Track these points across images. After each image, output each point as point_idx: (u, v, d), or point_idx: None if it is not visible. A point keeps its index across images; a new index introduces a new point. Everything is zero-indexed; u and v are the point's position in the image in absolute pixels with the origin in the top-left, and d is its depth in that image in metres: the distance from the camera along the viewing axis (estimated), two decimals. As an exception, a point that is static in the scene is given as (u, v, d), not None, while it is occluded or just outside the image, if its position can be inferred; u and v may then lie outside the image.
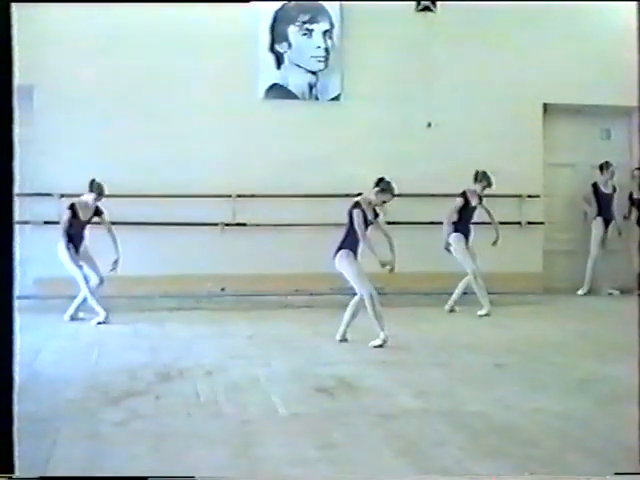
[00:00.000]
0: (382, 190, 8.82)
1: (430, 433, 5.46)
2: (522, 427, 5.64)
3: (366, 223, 8.74)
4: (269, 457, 4.95)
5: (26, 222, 11.21)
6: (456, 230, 11.16)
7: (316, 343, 8.89)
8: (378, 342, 8.57)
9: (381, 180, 8.86)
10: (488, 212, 11.32)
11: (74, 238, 10.30)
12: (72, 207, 10.26)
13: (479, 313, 10.92)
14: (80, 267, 10.24)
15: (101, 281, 10.31)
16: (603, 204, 13.25)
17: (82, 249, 10.38)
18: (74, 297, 10.42)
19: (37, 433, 5.19)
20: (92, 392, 6.58)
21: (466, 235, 11.19)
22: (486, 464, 4.79)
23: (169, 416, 5.91)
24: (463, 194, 11.16)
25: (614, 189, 13.29)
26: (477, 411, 6.03)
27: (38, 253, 11.30)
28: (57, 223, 10.81)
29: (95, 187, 10.24)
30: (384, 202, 8.91)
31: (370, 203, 8.83)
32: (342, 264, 8.72)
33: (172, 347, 8.67)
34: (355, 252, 8.75)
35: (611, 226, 13.22)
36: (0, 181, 3.08)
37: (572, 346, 8.88)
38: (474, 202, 11.17)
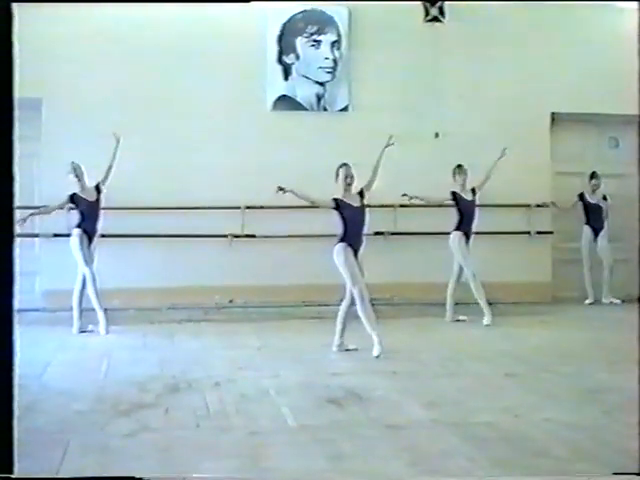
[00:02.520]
0: (338, 169, 9.05)
1: (439, 444, 5.46)
2: (531, 437, 5.63)
3: (353, 209, 8.90)
4: (278, 469, 4.95)
5: (35, 235, 11.26)
6: (457, 228, 11.14)
7: (325, 354, 8.88)
8: (378, 351, 8.57)
9: None
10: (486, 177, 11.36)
11: (88, 224, 10.20)
12: (72, 194, 10.22)
13: (484, 322, 10.90)
14: (89, 263, 10.14)
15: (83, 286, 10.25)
16: (590, 213, 13.18)
17: (93, 246, 10.28)
18: (84, 309, 10.39)
19: (47, 445, 5.20)
20: (101, 404, 6.58)
21: (467, 235, 11.14)
22: (495, 474, 4.78)
23: (178, 428, 5.91)
24: (452, 193, 11.18)
25: (604, 198, 13.19)
26: (486, 421, 6.01)
27: (47, 266, 11.36)
28: (67, 236, 10.84)
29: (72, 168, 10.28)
30: (347, 179, 8.95)
31: (345, 192, 8.95)
32: (338, 259, 8.76)
33: (181, 359, 8.66)
34: (352, 245, 8.77)
35: (601, 235, 13.11)
36: (1, 194, 3.10)
37: (581, 355, 8.86)
38: (469, 197, 11.17)
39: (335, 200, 8.88)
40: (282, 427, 5.92)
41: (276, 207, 11.81)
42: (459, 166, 11.27)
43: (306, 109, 12.65)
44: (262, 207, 12.02)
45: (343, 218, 8.87)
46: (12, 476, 3.07)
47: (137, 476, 4.40)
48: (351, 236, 8.82)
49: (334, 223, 10.73)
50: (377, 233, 11.61)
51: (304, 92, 12.66)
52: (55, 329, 10.27)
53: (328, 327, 9.36)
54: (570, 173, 13.48)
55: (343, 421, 6.08)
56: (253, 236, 12.08)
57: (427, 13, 12.93)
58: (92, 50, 11.81)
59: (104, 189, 10.42)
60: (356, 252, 8.81)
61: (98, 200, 10.37)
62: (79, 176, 10.25)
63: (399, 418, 6.15)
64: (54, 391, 7.07)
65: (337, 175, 9.01)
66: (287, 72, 12.61)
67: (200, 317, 11.53)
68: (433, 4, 12.92)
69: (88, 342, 9.76)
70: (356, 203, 8.94)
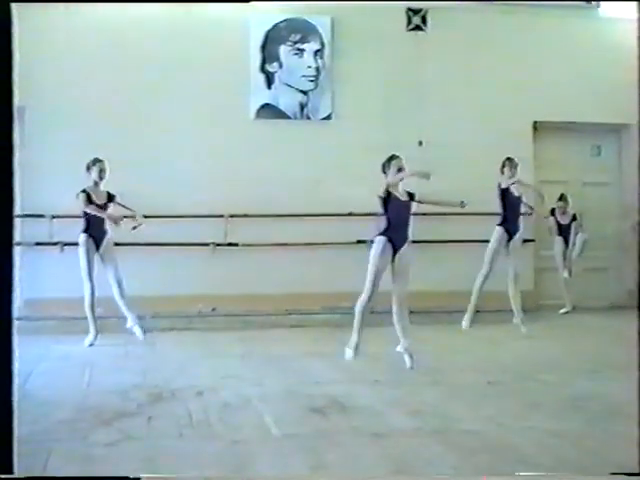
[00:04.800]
0: (387, 162, 8.63)
1: (423, 452, 5.45)
2: (515, 445, 5.62)
3: (400, 202, 8.51)
4: (262, 478, 4.93)
5: (17, 243, 11.20)
6: (500, 223, 11.07)
7: (308, 363, 8.86)
8: (349, 355, 8.68)
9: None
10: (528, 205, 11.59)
11: (94, 228, 10.04)
12: (84, 191, 9.94)
13: (463, 326, 10.98)
14: (91, 277, 10.03)
15: (119, 284, 10.15)
16: (562, 230, 13.26)
17: (105, 243, 10.12)
18: (66, 318, 10.35)
19: (29, 455, 5.15)
20: (84, 413, 6.54)
21: (509, 231, 11.03)
22: (480, 483, 4.78)
23: (161, 437, 5.88)
24: (499, 185, 11.03)
25: (574, 218, 13.22)
26: (470, 430, 6.01)
27: (29, 274, 11.29)
28: (49, 244, 10.79)
29: (94, 164, 10.06)
30: (399, 171, 8.52)
31: (391, 185, 8.51)
32: (372, 251, 8.51)
33: (164, 368, 8.63)
34: (393, 240, 8.45)
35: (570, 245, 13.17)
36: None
37: (564, 363, 8.88)
38: (517, 192, 11.07)
39: (388, 195, 8.44)
40: (265, 436, 5.89)
41: (259, 215, 11.83)
42: (509, 159, 11.07)
43: (289, 117, 12.65)
44: (245, 215, 12.01)
45: (386, 210, 8.49)
46: (12, 476, 3.06)
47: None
48: (393, 230, 8.48)
49: (316, 232, 10.77)
50: (359, 241, 11.61)
51: (287, 100, 12.65)
52: (37, 338, 10.18)
53: (311, 335, 9.35)
54: (553, 181, 13.50)
55: (327, 430, 6.06)
56: (236, 244, 12.06)
57: (409, 22, 12.96)
58: (75, 59, 11.77)
59: (117, 199, 10.26)
60: (396, 250, 8.47)
61: (105, 205, 10.12)
62: (103, 177, 10.05)
63: (383, 427, 6.13)
64: (36, 400, 7.01)
65: (385, 167, 8.58)
66: (270, 80, 12.61)
67: (183, 326, 11.50)
68: (416, 13, 12.95)
69: (70, 351, 9.71)
70: (404, 198, 8.60)
